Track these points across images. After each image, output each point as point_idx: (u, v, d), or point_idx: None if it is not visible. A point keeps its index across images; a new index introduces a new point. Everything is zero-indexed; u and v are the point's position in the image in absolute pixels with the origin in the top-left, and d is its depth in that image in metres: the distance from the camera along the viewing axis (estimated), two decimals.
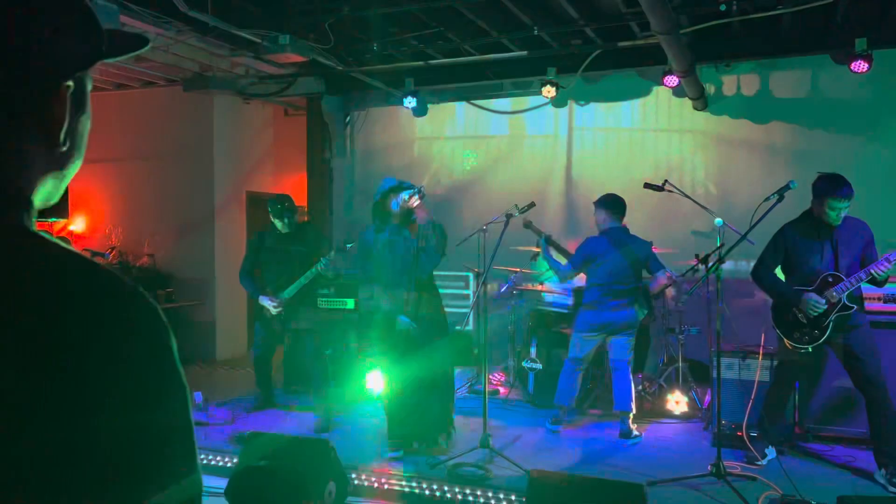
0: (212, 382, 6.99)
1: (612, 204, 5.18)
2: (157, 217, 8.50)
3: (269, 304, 5.33)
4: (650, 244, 5.21)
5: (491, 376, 6.80)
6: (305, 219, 8.76)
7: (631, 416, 5.05)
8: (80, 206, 9.11)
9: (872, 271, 4.10)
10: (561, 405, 5.24)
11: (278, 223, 5.30)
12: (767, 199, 4.10)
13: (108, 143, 8.97)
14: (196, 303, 8.40)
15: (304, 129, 8.88)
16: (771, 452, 4.54)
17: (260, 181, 9.18)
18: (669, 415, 5.60)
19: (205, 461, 4.64)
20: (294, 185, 9.29)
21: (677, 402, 5.59)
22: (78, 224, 9.05)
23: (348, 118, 8.71)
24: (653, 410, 5.75)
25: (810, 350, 4.28)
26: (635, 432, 5.03)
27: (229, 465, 4.40)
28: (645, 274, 5.21)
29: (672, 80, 6.44)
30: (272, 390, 5.88)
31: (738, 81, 7.26)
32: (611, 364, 5.19)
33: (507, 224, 4.80)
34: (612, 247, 5.04)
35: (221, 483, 3.92)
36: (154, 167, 8.69)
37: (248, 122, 9.02)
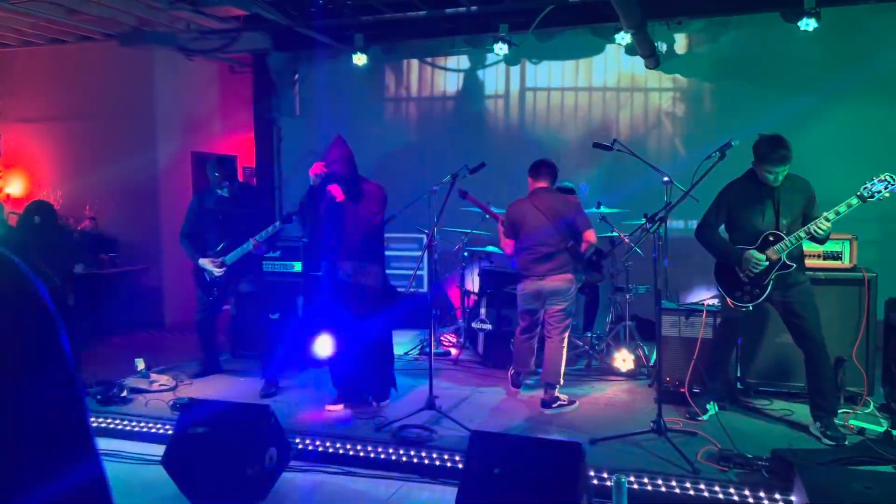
0: (158, 349, 6.83)
1: (534, 168, 5.00)
2: (99, 179, 8.17)
3: (209, 267, 5.18)
4: (577, 203, 5.03)
5: (442, 337, 6.79)
6: (253, 181, 8.53)
7: (557, 388, 4.83)
8: (16, 168, 8.73)
9: (812, 229, 4.13)
10: (518, 368, 5.19)
11: (218, 190, 5.12)
12: (709, 156, 4.09)
13: (42, 101, 8.59)
14: (142, 267, 8.18)
15: (251, 86, 8.60)
16: (712, 408, 4.63)
17: (206, 141, 8.90)
18: (617, 372, 5.67)
19: (143, 429, 4.53)
20: (242, 144, 9.04)
21: (624, 359, 5.66)
22: (14, 187, 8.70)
23: (297, 76, 8.44)
24: (600, 368, 5.82)
25: (751, 308, 4.33)
26: (562, 400, 4.79)
27: (169, 432, 4.30)
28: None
29: (624, 38, 6.36)
30: (217, 356, 5.76)
31: (690, 39, 7.22)
32: (544, 332, 5.06)
33: (452, 185, 4.74)
34: (534, 208, 4.82)
35: (160, 450, 3.84)
36: (93, 126, 8.34)
37: (192, 79, 8.68)
